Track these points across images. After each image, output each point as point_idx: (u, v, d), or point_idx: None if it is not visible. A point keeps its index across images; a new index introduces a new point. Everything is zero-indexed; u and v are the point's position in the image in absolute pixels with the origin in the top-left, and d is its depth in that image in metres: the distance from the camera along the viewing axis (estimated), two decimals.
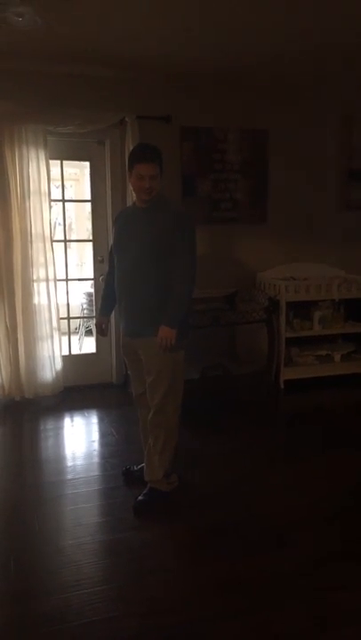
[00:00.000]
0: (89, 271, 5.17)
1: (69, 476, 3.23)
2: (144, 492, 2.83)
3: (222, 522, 2.69)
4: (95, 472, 3.31)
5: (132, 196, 3.85)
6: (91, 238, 4.83)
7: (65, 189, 4.78)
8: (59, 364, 4.48)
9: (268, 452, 3.54)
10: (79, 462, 3.47)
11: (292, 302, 4.67)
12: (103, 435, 3.88)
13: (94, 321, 4.97)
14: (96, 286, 4.82)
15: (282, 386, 4.67)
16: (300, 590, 2.20)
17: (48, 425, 4.05)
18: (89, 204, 4.82)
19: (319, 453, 3.49)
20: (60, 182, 4.65)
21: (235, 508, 2.82)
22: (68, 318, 4.87)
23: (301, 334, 4.77)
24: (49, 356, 4.42)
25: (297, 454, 3.49)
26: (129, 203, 4.37)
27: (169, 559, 2.44)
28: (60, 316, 4.52)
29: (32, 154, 4.19)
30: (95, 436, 3.93)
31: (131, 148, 4.09)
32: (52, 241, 4.37)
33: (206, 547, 2.51)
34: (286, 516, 2.75)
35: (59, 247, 4.58)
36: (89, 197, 4.77)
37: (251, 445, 3.62)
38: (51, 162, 4.32)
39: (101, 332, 3.08)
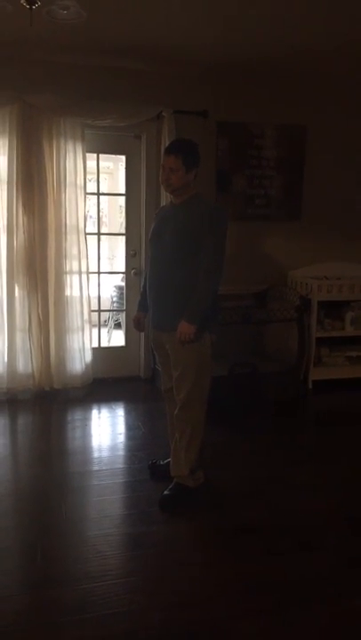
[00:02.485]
0: (120, 264, 5.20)
1: (96, 468, 3.26)
2: (170, 487, 2.84)
3: (247, 521, 2.68)
4: (121, 464, 3.33)
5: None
6: (124, 232, 4.86)
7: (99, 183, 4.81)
8: (88, 356, 4.52)
9: (294, 453, 3.50)
10: (106, 454, 3.50)
11: (324, 302, 4.61)
12: (130, 428, 3.91)
13: (124, 314, 5.01)
14: (127, 279, 4.85)
15: (310, 386, 4.62)
16: (323, 594, 2.17)
17: (76, 416, 4.09)
18: (121, 198, 4.84)
19: (347, 455, 3.45)
20: (92, 175, 4.68)
21: (260, 508, 2.80)
22: (99, 311, 4.91)
23: (332, 334, 4.70)
24: (79, 348, 4.46)
25: (324, 456, 3.45)
26: (162, 197, 4.39)
27: (193, 555, 2.45)
28: (91, 309, 4.56)
29: (70, 147, 4.22)
30: (122, 428, 3.97)
31: (167, 142, 4.10)
32: (86, 234, 4.41)
33: (230, 545, 2.50)
34: (312, 518, 2.72)
35: (91, 240, 4.62)
36: (122, 191, 4.79)
37: (277, 445, 3.59)
38: (87, 155, 4.35)
39: (138, 327, 3.11)
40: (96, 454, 3.50)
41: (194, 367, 2.72)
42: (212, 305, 2.72)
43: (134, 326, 3.13)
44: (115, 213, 7.74)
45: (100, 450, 3.57)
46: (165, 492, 2.82)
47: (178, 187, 2.70)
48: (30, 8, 2.21)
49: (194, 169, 2.70)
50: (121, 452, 3.54)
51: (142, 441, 3.64)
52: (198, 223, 2.64)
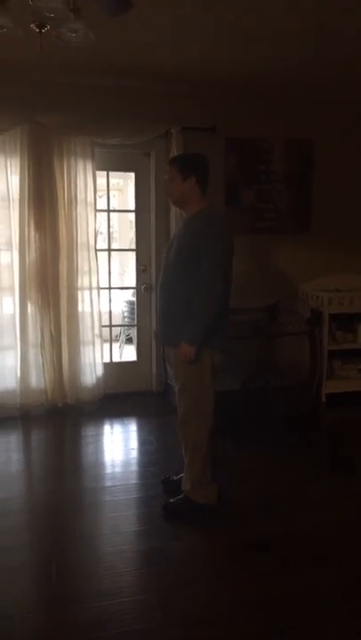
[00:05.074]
0: (131, 280, 5.24)
1: (109, 483, 3.25)
2: (178, 496, 2.84)
3: (261, 537, 2.65)
4: (134, 480, 3.32)
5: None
6: (134, 247, 4.89)
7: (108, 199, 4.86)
8: (100, 371, 4.53)
9: (308, 467, 3.47)
10: (118, 469, 3.49)
11: (336, 314, 4.59)
12: (143, 443, 3.90)
13: (135, 329, 5.03)
14: (138, 295, 4.87)
15: (323, 399, 4.59)
16: (339, 612, 2.14)
17: (88, 431, 4.09)
18: (131, 214, 4.88)
19: None
20: (102, 192, 4.73)
21: (274, 524, 2.77)
22: (110, 326, 4.93)
23: (345, 347, 4.68)
24: (90, 363, 4.48)
25: (339, 470, 3.42)
26: (172, 213, 4.43)
27: (207, 571, 2.43)
28: (102, 324, 4.58)
29: (80, 165, 4.28)
30: (135, 443, 3.96)
31: None
32: (96, 250, 4.45)
33: (245, 561, 2.48)
34: (326, 534, 2.69)
35: (102, 256, 4.66)
36: (131, 207, 4.84)
37: (291, 459, 3.56)
38: (97, 172, 4.40)
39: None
40: (109, 470, 3.49)
41: (191, 383, 2.71)
42: (215, 324, 2.64)
43: (156, 339, 3.13)
44: (125, 229, 7.79)
45: (113, 465, 3.56)
46: (171, 500, 2.84)
47: (177, 196, 2.72)
48: (40, 32, 2.25)
49: (190, 177, 2.66)
50: (134, 468, 3.53)
51: (155, 456, 3.63)
52: (196, 240, 2.60)
